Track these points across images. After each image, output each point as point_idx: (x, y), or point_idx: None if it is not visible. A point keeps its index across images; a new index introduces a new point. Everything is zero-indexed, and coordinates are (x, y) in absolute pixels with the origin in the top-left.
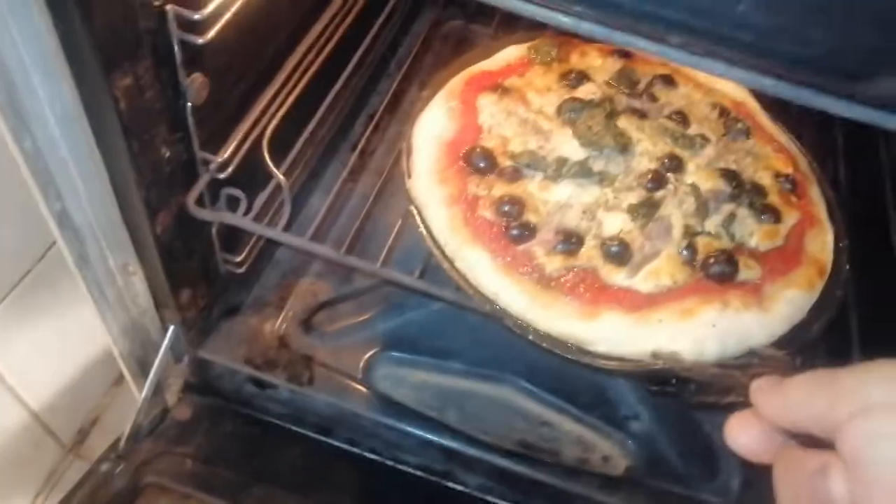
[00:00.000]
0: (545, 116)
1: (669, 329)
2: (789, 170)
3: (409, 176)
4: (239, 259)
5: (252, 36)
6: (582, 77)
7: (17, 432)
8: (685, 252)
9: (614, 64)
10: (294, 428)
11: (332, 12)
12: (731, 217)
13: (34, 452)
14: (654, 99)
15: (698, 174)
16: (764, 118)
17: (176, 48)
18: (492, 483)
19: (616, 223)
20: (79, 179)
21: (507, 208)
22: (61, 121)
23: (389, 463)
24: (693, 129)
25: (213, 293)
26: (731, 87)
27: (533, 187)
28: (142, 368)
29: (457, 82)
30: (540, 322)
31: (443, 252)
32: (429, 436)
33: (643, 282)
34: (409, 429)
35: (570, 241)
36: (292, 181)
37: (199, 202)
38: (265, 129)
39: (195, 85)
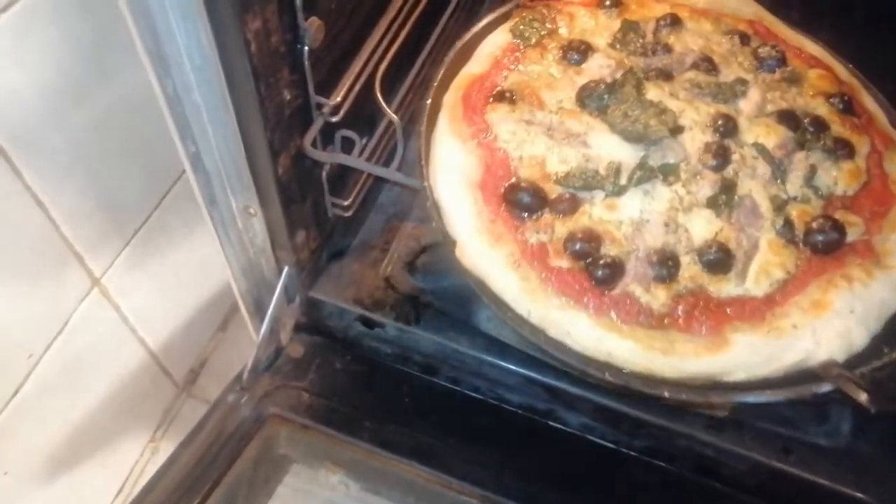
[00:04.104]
0: (569, 114)
1: (808, 332)
2: (836, 87)
3: (454, 245)
4: (346, 203)
5: None
6: (583, 49)
7: (137, 371)
8: (782, 229)
9: (609, 19)
10: (400, 367)
11: None
12: (811, 170)
13: (151, 390)
14: (668, 49)
15: (755, 129)
16: (783, 29)
17: None
18: (594, 422)
19: (702, 224)
20: (209, 124)
21: (580, 247)
22: (197, 67)
23: (493, 402)
24: (725, 74)
25: (322, 236)
26: (735, 3)
27: (597, 211)
28: (257, 308)
29: (453, 101)
30: (666, 370)
31: (529, 325)
32: (531, 374)
33: (756, 284)
34: (513, 367)
35: (666, 265)
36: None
37: (314, 145)
38: (376, 69)
39: (312, 28)
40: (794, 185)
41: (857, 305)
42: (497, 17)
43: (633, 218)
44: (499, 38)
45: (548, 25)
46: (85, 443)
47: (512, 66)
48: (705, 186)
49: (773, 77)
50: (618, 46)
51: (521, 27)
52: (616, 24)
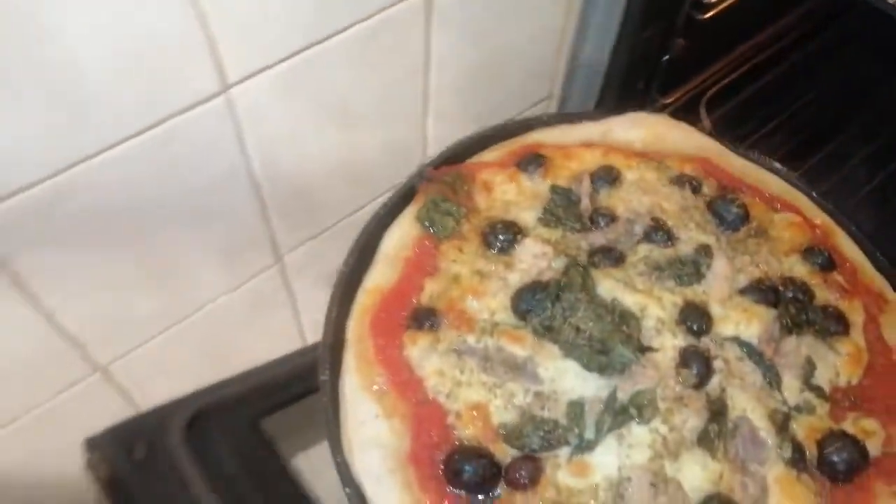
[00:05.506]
0: (508, 335)
1: None
2: (808, 236)
3: None
4: None
5: (727, 23)
6: (509, 231)
7: None
8: (791, 458)
9: (533, 184)
10: None
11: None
12: (808, 365)
13: None
14: (611, 216)
15: (732, 315)
16: (735, 162)
17: (680, 19)
18: None
19: (696, 473)
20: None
21: None
22: (596, 47)
23: None
24: (684, 241)
25: None
26: (676, 136)
27: (564, 476)
28: None
29: (359, 335)
30: None
31: None
32: None
33: None
34: None
35: None
36: None
37: None
38: (706, 91)
39: (677, 46)
40: (791, 389)
41: None
42: (399, 196)
43: (610, 479)
44: (406, 230)
45: (461, 209)
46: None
47: (427, 269)
48: (691, 416)
49: (738, 236)
50: (552, 223)
51: (430, 212)
52: (542, 188)
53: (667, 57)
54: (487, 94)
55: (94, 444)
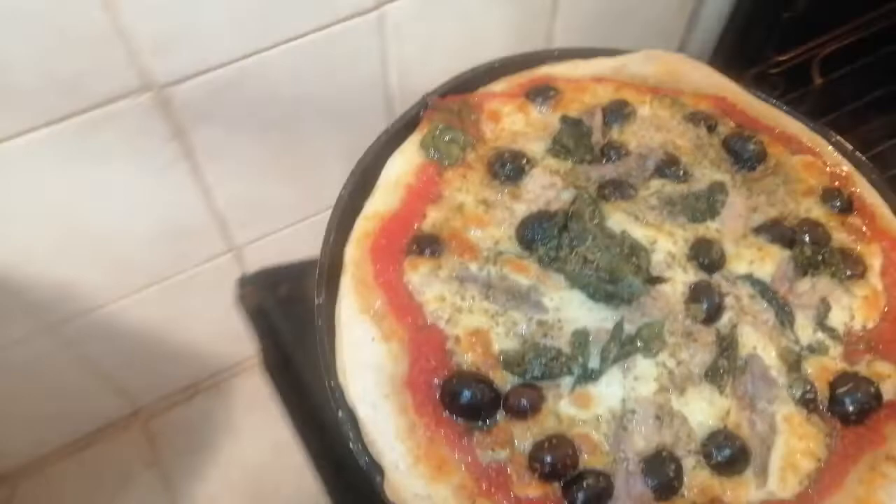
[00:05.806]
0: (512, 264)
1: None
2: (826, 178)
3: (381, 476)
4: None
5: None
6: (517, 161)
7: None
8: (802, 397)
9: (543, 115)
10: None
11: None
12: (822, 306)
13: None
14: (623, 150)
15: (745, 253)
16: (753, 103)
17: None
18: None
19: (703, 408)
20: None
21: (550, 463)
22: None
23: None
24: (697, 178)
25: None
26: (692, 74)
27: (566, 407)
28: None
29: (358, 258)
30: None
31: None
32: None
33: (782, 484)
34: None
35: (667, 475)
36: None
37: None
38: (818, 52)
39: (799, 4)
40: (804, 329)
41: None
42: (401, 124)
43: (613, 411)
44: (409, 157)
45: (467, 137)
46: None
47: (430, 196)
48: (699, 351)
49: (753, 175)
50: (561, 154)
51: (436, 139)
52: (552, 120)
53: (788, 14)
54: (608, 45)
55: (246, 282)
